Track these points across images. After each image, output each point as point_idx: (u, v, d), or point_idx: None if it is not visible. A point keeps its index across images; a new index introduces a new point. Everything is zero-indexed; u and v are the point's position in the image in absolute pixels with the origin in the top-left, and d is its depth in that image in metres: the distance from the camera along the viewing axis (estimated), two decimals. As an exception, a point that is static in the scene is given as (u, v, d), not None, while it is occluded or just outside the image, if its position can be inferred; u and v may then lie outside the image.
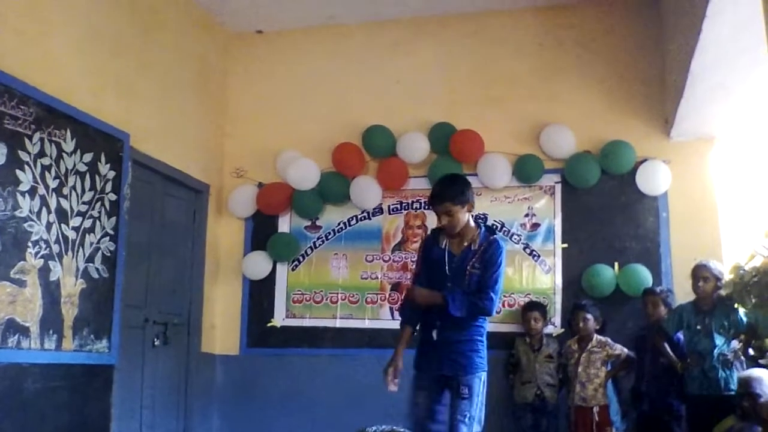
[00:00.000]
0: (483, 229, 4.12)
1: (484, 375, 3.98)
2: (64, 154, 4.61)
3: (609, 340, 5.14)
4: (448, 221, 3.99)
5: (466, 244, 4.04)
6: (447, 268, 4.04)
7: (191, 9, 6.24)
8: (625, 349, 5.10)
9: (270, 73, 6.73)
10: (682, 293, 5.16)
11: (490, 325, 5.80)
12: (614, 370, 5.15)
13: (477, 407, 3.89)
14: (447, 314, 3.92)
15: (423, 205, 6.18)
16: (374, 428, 1.41)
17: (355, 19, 6.52)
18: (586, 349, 5.10)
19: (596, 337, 5.14)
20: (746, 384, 4.28)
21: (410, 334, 4.17)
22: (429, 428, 3.94)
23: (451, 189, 4.00)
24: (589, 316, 5.18)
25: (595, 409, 4.95)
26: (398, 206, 6.27)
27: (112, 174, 5.01)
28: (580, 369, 5.03)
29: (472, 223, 4.10)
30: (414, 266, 4.44)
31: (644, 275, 5.56)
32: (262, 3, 6.28)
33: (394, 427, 1.44)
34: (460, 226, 4.01)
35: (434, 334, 4.00)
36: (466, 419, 3.84)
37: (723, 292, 4.72)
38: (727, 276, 4.70)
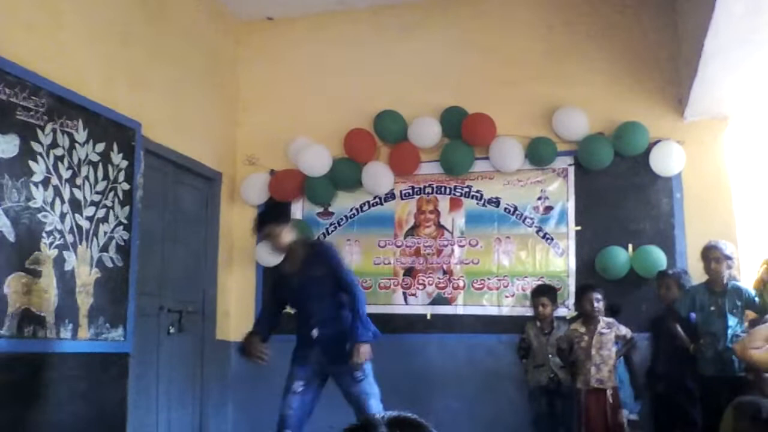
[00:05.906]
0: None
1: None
2: (77, 145, 4.63)
3: (614, 320, 5.09)
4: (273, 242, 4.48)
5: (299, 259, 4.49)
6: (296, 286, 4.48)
7: (200, -3, 6.24)
8: (629, 330, 5.06)
9: (280, 60, 6.72)
10: (698, 274, 5.09)
11: (503, 309, 5.89)
12: (623, 350, 5.12)
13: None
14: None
15: (435, 189, 6.18)
16: (381, 414, 1.41)
17: (365, 4, 6.49)
18: (596, 331, 5.06)
19: (602, 318, 5.08)
20: None
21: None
22: None
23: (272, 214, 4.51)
24: (600, 296, 5.11)
25: (609, 392, 4.92)
26: (410, 191, 6.26)
27: (124, 163, 5.04)
28: (593, 351, 4.99)
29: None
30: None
31: (659, 257, 5.53)
32: (272, -11, 6.29)
33: (401, 413, 1.44)
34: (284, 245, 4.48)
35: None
36: None
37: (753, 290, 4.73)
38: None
